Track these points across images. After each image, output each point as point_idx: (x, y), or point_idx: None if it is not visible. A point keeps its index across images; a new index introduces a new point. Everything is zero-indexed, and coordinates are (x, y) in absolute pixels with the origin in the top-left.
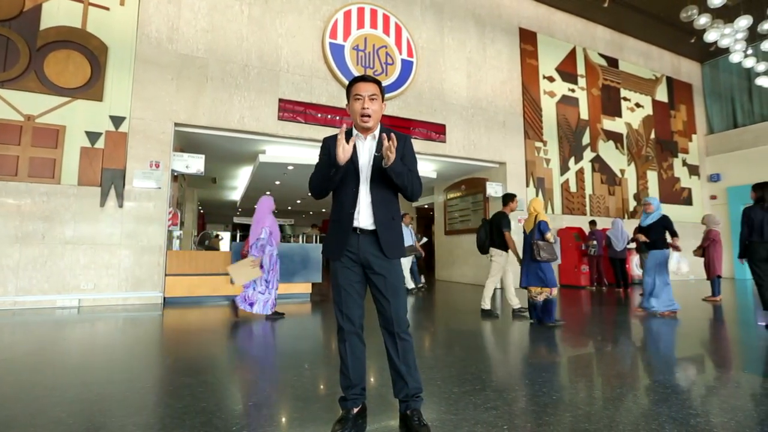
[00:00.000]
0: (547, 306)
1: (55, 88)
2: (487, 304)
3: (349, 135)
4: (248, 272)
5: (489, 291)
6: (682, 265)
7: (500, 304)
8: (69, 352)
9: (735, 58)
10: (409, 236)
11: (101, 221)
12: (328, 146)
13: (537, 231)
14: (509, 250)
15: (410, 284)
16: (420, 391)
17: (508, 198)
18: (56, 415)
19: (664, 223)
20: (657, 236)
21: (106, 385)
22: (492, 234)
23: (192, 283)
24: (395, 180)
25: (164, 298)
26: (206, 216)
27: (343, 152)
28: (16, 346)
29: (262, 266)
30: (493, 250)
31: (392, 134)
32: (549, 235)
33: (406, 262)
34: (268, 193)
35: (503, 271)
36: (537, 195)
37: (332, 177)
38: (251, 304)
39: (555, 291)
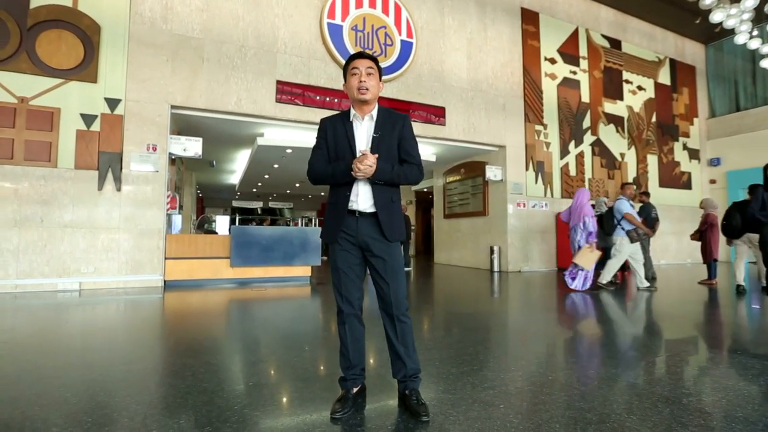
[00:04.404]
0: None
1: (48, 70)
2: None
3: (346, 117)
4: (591, 257)
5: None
6: None
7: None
8: (71, 334)
9: (740, 39)
10: (636, 214)
11: (99, 205)
12: (325, 128)
13: None
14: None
15: (606, 279)
16: (418, 371)
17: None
18: (60, 395)
19: None
20: None
21: (109, 367)
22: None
23: (192, 267)
24: (388, 183)
25: (164, 281)
26: (205, 200)
27: (371, 166)
28: (19, 329)
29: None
30: (752, 236)
31: (365, 152)
32: None
33: (634, 249)
34: (585, 186)
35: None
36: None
37: (339, 180)
38: (573, 279)
39: None
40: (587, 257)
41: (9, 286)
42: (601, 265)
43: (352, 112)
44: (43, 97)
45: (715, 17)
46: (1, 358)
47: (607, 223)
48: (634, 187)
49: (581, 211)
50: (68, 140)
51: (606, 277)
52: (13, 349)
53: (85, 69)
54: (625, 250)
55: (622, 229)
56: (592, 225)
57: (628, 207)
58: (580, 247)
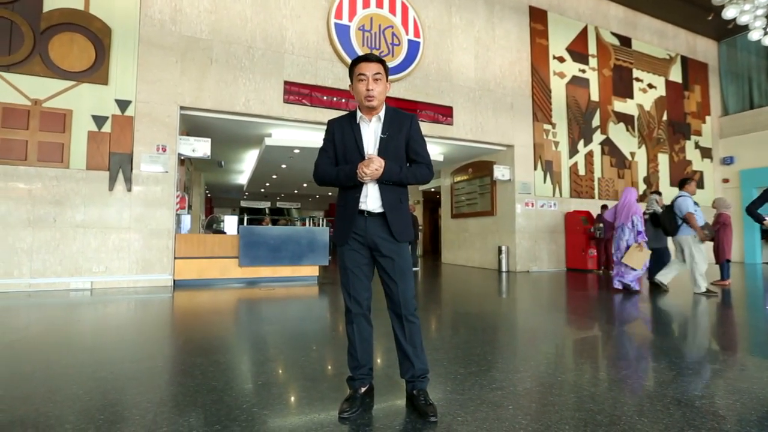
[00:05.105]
0: None
1: (60, 72)
2: None
3: (353, 118)
4: (640, 256)
5: None
6: None
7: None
8: (83, 332)
9: (754, 35)
10: (700, 214)
11: (110, 205)
12: (333, 130)
13: None
14: None
15: (702, 286)
16: (426, 372)
17: None
18: (73, 391)
19: None
20: None
21: (120, 365)
22: None
23: (201, 266)
24: (396, 184)
25: (174, 280)
26: (213, 200)
27: (377, 170)
28: (33, 327)
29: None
30: None
31: (371, 156)
32: None
33: (701, 252)
34: (630, 185)
35: None
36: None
37: (344, 184)
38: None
39: None
40: (637, 257)
41: (23, 284)
42: (656, 266)
43: (359, 113)
44: (56, 99)
45: (729, 13)
46: (16, 355)
47: (668, 222)
48: (695, 181)
49: (630, 210)
50: (80, 141)
51: (702, 284)
52: (27, 347)
53: (97, 71)
54: (700, 248)
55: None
56: (640, 224)
57: (691, 206)
58: (628, 247)
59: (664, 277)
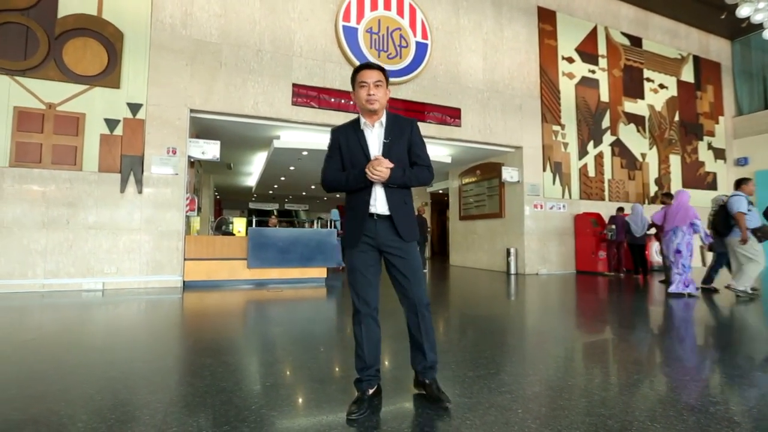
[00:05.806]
0: None
1: (74, 76)
2: None
3: (357, 125)
4: (707, 257)
5: None
6: None
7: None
8: (95, 332)
9: None
10: (755, 215)
11: (122, 207)
12: (338, 138)
13: None
14: None
15: (742, 285)
16: (436, 363)
17: None
18: (85, 391)
19: None
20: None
21: (131, 365)
22: None
23: (210, 268)
24: (400, 186)
25: (183, 281)
26: (222, 202)
27: (386, 169)
28: (46, 327)
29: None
30: None
31: (378, 157)
32: None
33: (757, 253)
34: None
35: None
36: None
37: (353, 187)
38: (686, 285)
39: None
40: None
41: (37, 285)
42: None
43: (362, 120)
44: (69, 103)
45: (742, 12)
46: (30, 355)
47: (720, 223)
48: (754, 184)
49: (686, 213)
50: (92, 144)
51: (746, 283)
52: (41, 347)
53: (109, 75)
54: (758, 249)
55: (747, 228)
56: (704, 227)
57: (743, 206)
58: (679, 251)
59: (741, 284)
